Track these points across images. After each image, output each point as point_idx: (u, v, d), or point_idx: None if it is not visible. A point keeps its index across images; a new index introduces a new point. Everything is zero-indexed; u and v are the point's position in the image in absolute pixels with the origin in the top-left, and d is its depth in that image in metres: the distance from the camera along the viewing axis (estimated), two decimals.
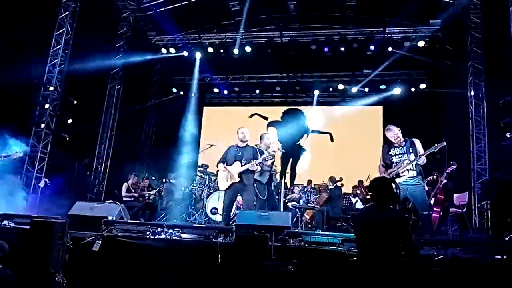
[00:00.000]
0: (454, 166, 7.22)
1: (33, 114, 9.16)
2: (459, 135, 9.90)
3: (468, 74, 9.97)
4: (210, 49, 11.95)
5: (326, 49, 11.23)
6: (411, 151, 5.58)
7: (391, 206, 3.54)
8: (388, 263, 3.30)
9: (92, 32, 9.97)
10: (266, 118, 13.20)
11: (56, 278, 3.94)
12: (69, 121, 9.77)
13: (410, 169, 5.51)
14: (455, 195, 8.10)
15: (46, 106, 9.23)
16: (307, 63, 12.73)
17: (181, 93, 13.95)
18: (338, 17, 12.24)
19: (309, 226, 8.62)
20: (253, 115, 12.87)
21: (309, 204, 9.18)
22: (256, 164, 6.14)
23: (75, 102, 9.75)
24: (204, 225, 7.00)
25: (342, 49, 11.21)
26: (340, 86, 12.95)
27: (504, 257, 3.70)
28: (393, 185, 3.56)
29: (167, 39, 12.47)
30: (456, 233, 7.70)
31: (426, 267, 3.78)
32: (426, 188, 7.36)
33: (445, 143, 5.63)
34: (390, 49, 10.96)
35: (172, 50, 12.25)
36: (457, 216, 7.91)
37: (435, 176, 7.82)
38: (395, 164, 5.61)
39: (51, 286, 3.87)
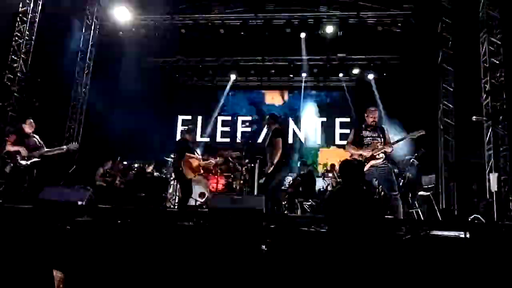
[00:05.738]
0: (423, 150, 7.45)
1: None
2: (428, 119, 10.13)
3: (438, 59, 10.16)
4: (183, 30, 11.68)
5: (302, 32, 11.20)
6: (381, 136, 5.67)
7: (360, 187, 3.64)
8: (365, 239, 3.40)
9: (59, 10, 9.52)
10: None
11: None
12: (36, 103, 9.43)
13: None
14: (422, 177, 8.33)
15: (12, 88, 8.85)
16: (282, 46, 12.65)
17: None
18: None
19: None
20: None
21: (282, 188, 9.24)
22: None
23: (39, 80, 9.38)
24: (176, 209, 6.98)
25: (317, 32, 11.21)
26: (315, 70, 12.99)
27: (467, 235, 3.87)
28: (362, 167, 3.67)
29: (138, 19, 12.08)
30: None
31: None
32: (396, 170, 7.53)
33: (423, 132, 5.75)
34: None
35: (143, 30, 11.91)
36: (425, 197, 8.15)
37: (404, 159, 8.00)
38: (365, 145, 5.64)
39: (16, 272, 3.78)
